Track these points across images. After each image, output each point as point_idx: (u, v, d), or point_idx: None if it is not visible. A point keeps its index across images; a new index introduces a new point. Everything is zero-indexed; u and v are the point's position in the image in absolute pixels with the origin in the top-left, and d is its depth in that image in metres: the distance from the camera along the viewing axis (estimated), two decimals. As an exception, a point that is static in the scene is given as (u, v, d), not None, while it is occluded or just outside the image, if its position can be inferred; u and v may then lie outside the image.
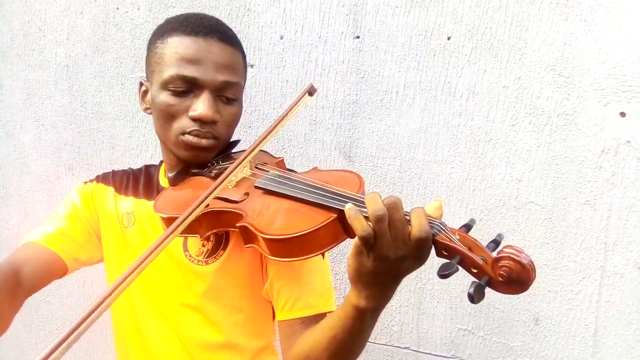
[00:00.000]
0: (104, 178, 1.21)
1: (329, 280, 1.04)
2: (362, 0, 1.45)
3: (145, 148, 1.76)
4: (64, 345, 0.64)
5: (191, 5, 1.63)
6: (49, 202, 1.91)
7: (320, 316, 0.97)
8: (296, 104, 0.99)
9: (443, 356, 1.50)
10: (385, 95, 1.47)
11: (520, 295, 1.38)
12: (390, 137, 1.47)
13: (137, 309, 1.10)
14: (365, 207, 0.71)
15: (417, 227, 0.67)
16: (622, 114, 1.27)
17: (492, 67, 1.37)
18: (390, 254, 0.70)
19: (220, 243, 1.05)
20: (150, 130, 1.74)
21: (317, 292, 1.00)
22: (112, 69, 1.76)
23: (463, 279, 1.47)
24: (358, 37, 1.48)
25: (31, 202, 1.94)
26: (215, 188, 0.87)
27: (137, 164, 1.74)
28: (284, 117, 0.98)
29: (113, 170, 1.24)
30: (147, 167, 1.24)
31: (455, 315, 1.47)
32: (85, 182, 1.21)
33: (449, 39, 1.40)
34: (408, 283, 1.50)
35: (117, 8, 1.72)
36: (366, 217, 0.70)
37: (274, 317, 1.12)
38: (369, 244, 0.69)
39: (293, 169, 1.10)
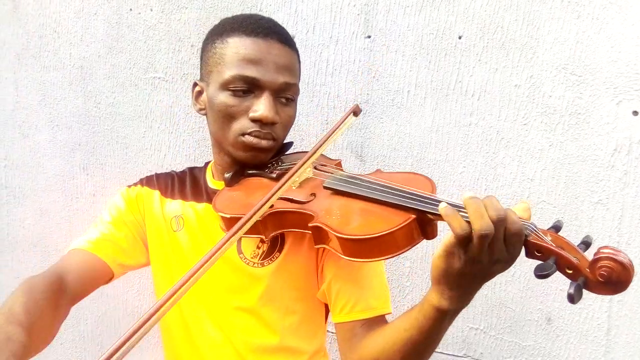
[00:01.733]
0: (148, 181, 1.18)
1: (385, 282, 1.03)
2: (373, 0, 1.46)
3: (158, 148, 1.77)
4: (119, 353, 0.64)
5: (203, 6, 1.64)
6: (63, 201, 1.93)
7: (380, 318, 0.97)
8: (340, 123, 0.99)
9: (455, 355, 1.50)
10: (396, 95, 1.47)
11: (531, 292, 1.39)
12: (402, 136, 1.48)
13: (186, 313, 1.08)
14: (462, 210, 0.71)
15: (514, 228, 0.67)
16: (635, 113, 1.27)
17: (504, 66, 1.36)
18: (484, 257, 0.69)
19: (275, 245, 1.04)
20: (164, 130, 1.75)
21: (377, 294, 0.99)
22: (126, 69, 1.78)
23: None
24: (369, 36, 1.48)
25: (46, 202, 1.96)
26: (279, 188, 0.86)
27: (150, 164, 1.77)
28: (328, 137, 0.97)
29: (156, 173, 1.22)
30: (191, 170, 1.22)
31: (467, 314, 1.47)
32: (129, 186, 1.18)
33: (460, 38, 1.40)
34: (420, 282, 1.51)
35: (130, 9, 1.74)
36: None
37: (325, 319, 1.12)
38: (464, 244, 0.68)
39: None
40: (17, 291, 0.89)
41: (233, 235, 0.78)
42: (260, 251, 1.04)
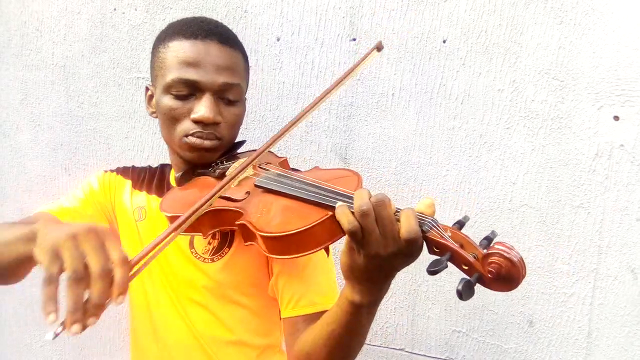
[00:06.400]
0: (123, 171, 1.23)
1: (334, 279, 1.05)
2: (358, 2, 1.46)
3: (141, 149, 1.76)
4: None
5: (188, 7, 1.63)
6: (45, 202, 1.90)
7: (323, 314, 0.98)
8: (363, 60, 1.02)
9: (437, 358, 1.50)
10: (380, 98, 1.47)
11: (513, 295, 1.40)
12: (386, 139, 1.48)
13: (151, 300, 1.11)
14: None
15: (406, 228, 0.68)
16: (616, 118, 1.28)
17: (487, 71, 1.37)
18: (381, 251, 0.70)
19: (225, 241, 1.06)
20: (147, 131, 1.74)
21: (321, 290, 1.00)
22: (109, 69, 1.76)
23: (458, 280, 1.47)
24: (354, 39, 1.48)
25: (27, 203, 1.93)
26: (220, 189, 0.88)
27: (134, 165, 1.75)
28: (344, 77, 1.01)
29: (133, 165, 1.26)
30: (163, 166, 1.26)
31: (449, 317, 1.48)
32: (106, 171, 1.23)
33: (444, 42, 1.40)
34: (403, 285, 1.51)
35: (115, 9, 1.73)
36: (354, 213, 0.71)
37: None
38: (356, 239, 0.70)
39: (297, 168, 1.10)
40: None
41: (167, 236, 0.80)
42: (211, 247, 1.07)
